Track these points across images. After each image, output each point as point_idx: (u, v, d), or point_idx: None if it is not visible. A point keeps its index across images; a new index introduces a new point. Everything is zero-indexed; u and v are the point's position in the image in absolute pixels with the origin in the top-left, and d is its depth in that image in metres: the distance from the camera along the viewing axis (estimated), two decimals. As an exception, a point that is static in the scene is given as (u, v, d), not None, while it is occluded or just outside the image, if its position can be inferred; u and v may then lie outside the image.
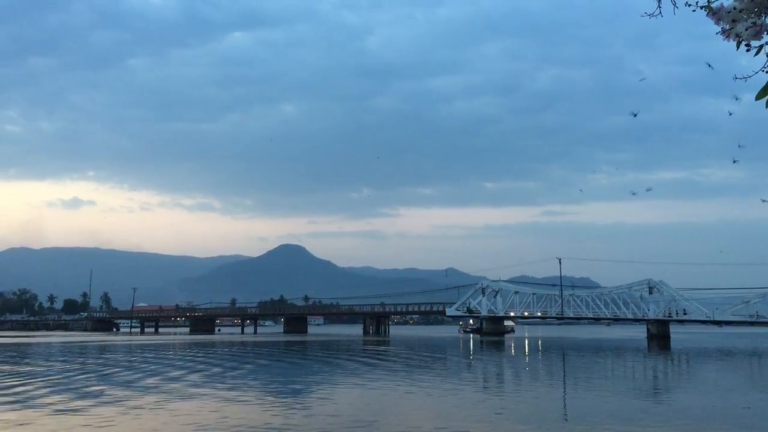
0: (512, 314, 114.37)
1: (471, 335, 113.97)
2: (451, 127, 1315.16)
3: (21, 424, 18.68)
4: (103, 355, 56.71)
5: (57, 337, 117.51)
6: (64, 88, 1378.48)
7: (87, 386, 29.27)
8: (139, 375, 35.34)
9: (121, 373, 36.32)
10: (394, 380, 32.57)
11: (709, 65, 10.99)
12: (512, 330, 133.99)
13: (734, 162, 28.01)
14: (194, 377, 33.78)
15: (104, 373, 36.90)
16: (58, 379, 33.16)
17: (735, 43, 3.78)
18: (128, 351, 64.41)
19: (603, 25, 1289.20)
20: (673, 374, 41.98)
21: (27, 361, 49.98)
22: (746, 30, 3.72)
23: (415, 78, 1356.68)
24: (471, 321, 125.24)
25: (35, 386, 29.18)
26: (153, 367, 41.34)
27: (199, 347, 71.21)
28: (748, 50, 3.79)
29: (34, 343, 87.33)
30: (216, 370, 39.01)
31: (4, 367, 41.74)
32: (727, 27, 3.76)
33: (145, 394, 25.84)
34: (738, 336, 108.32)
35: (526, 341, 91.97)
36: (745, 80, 4.13)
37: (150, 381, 31.58)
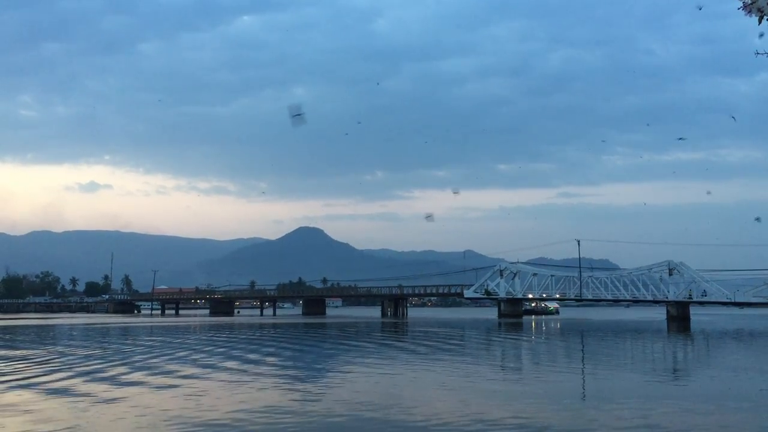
0: (530, 296, 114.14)
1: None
2: (463, 108, 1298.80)
3: (130, 404, 18.93)
4: (148, 337, 56.80)
5: (82, 319, 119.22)
6: (78, 73, 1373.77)
7: (175, 369, 28.67)
8: (219, 357, 34.97)
9: (186, 355, 36.34)
10: (417, 360, 32.92)
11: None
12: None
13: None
14: (272, 359, 33.83)
15: (176, 355, 36.43)
16: (137, 361, 32.75)
17: (756, 18, 3.77)
18: (164, 332, 64.80)
19: (614, 5, 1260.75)
20: (692, 356, 41.81)
21: (78, 343, 49.74)
22: (768, 4, 3.70)
23: (426, 60, 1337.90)
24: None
25: (122, 370, 28.69)
26: (221, 349, 41.11)
27: (226, 329, 71.84)
28: (770, 25, 3.77)
29: (61, 325, 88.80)
30: (288, 353, 38.67)
31: (60, 348, 42.00)
32: (749, 1, 3.75)
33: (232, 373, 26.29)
34: (759, 317, 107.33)
35: (544, 323, 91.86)
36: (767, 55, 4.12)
37: (231, 364, 31.40)
